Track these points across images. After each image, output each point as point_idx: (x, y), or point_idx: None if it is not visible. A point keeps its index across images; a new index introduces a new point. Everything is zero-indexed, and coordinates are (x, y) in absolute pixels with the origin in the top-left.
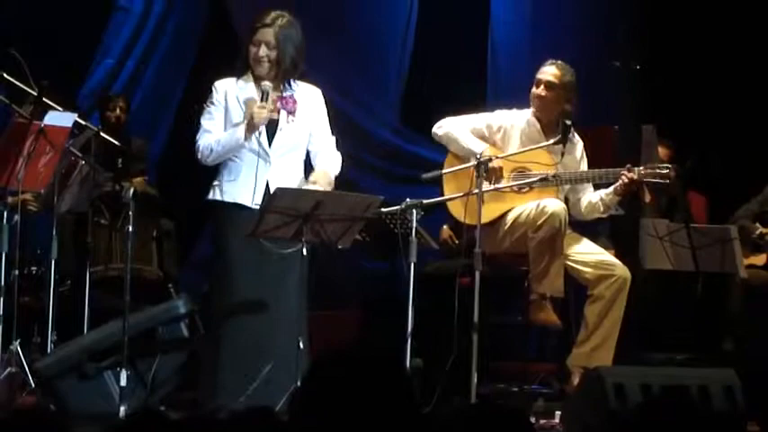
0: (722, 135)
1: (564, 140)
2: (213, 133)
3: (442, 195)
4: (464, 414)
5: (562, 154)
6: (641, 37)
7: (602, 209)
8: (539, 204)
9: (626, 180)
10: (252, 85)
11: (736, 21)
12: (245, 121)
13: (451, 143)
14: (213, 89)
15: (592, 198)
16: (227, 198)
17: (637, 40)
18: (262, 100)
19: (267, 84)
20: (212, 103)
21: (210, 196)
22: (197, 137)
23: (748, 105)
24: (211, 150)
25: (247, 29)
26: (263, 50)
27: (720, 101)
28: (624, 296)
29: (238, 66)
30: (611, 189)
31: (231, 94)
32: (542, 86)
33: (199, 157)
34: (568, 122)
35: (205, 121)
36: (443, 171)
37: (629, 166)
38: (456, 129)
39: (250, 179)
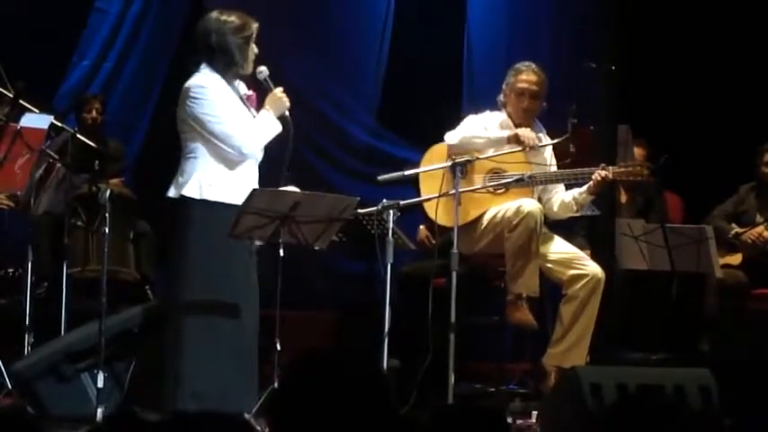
0: (697, 135)
1: (574, 139)
2: (245, 124)
3: (419, 196)
4: (441, 415)
5: (571, 153)
6: (616, 38)
7: (575, 208)
8: (515, 204)
9: (599, 178)
10: (230, 84)
11: (710, 21)
12: (278, 113)
13: (472, 144)
14: (204, 86)
15: (564, 197)
16: (227, 199)
17: (612, 41)
18: (267, 86)
19: (264, 69)
20: (217, 97)
21: (194, 195)
22: (231, 131)
23: (723, 105)
24: (257, 142)
25: (238, 28)
26: (256, 49)
27: (696, 101)
28: (598, 296)
29: (223, 64)
30: (584, 188)
31: (224, 89)
32: (527, 97)
33: (246, 151)
34: (574, 121)
35: (231, 115)
36: (405, 173)
37: (603, 165)
38: (470, 131)
39: (251, 179)
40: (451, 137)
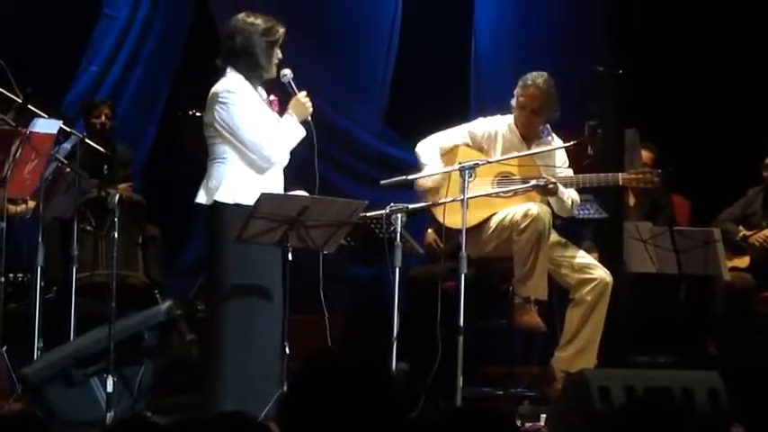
0: (705, 138)
1: (592, 141)
2: (272, 130)
3: (426, 200)
4: (450, 418)
5: (589, 155)
6: (623, 41)
7: (569, 207)
8: (523, 208)
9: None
10: (254, 88)
11: (717, 25)
12: (301, 117)
13: (421, 169)
14: (233, 91)
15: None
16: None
17: (619, 44)
18: (291, 90)
19: (289, 72)
20: (245, 103)
21: (227, 200)
22: (259, 139)
23: (731, 108)
24: (284, 149)
25: (264, 31)
26: (280, 53)
27: (703, 104)
28: (606, 300)
29: (247, 67)
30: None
31: (252, 94)
32: (528, 112)
33: (275, 159)
34: (591, 123)
35: (259, 122)
36: (408, 177)
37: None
38: (424, 153)
39: (278, 183)
40: (419, 150)
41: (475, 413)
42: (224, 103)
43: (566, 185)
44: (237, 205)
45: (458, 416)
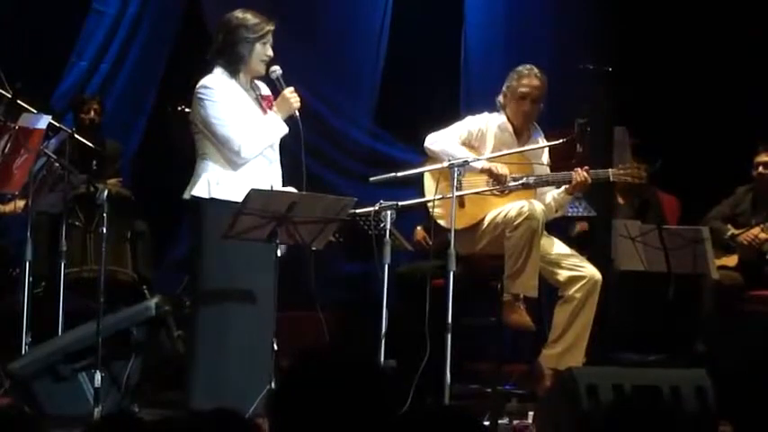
0: (694, 136)
1: (581, 139)
2: (247, 126)
3: (422, 196)
4: (418, 419)
5: (577, 153)
6: (613, 39)
7: (554, 208)
8: (517, 205)
9: (579, 180)
10: (243, 84)
11: (706, 23)
12: (285, 114)
13: (447, 158)
14: (210, 87)
15: (546, 199)
16: (236, 198)
17: (609, 42)
18: (279, 86)
19: (278, 68)
20: (221, 99)
21: (203, 194)
22: (231, 134)
23: (720, 107)
24: (256, 145)
25: (249, 27)
26: (270, 51)
27: (692, 103)
28: (595, 298)
29: (228, 61)
30: (562, 189)
31: (233, 90)
32: (528, 101)
33: (245, 154)
34: (581, 121)
35: (233, 118)
36: (398, 174)
37: (580, 168)
38: (449, 144)
39: (260, 178)
40: (433, 142)
41: (441, 414)
42: (200, 98)
43: (561, 182)
44: (213, 200)
45: (425, 417)
